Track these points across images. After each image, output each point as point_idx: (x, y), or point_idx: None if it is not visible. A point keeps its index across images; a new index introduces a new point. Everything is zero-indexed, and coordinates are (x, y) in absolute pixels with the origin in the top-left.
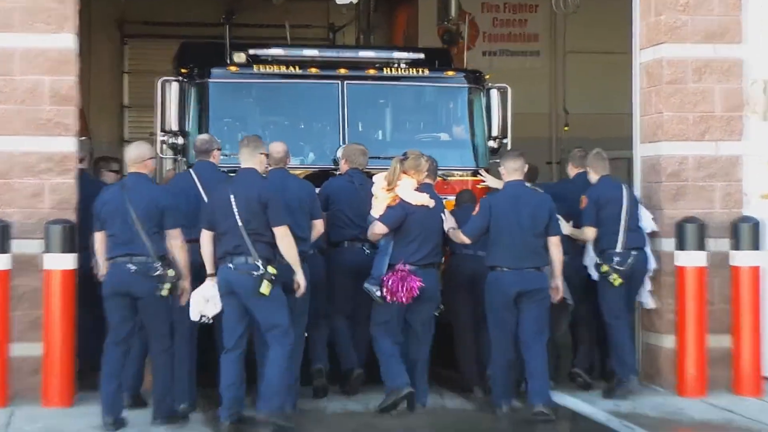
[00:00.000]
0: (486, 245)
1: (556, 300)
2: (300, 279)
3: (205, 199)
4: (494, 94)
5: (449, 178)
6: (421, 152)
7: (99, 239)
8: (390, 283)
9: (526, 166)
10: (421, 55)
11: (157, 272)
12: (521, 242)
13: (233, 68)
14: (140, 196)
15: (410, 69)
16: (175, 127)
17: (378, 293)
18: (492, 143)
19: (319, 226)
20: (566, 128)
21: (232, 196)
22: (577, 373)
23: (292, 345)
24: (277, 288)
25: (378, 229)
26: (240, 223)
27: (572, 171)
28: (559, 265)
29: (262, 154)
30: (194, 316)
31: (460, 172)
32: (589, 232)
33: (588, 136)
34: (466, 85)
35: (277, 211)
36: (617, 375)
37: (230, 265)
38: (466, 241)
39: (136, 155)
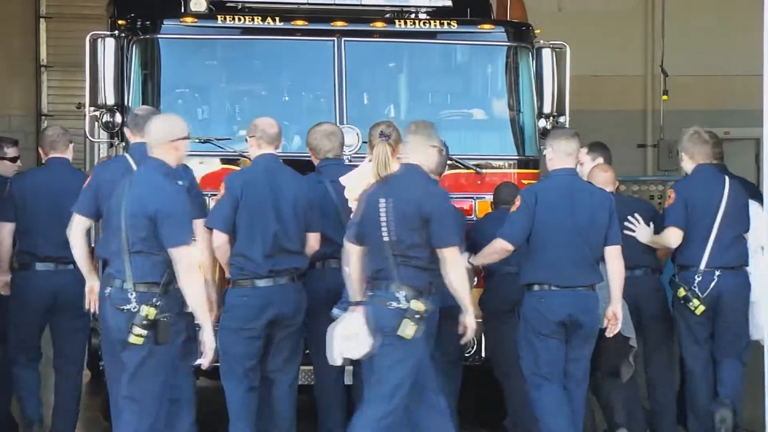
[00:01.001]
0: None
1: (611, 334)
2: None
3: None
4: (547, 55)
5: (484, 171)
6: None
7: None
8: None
9: (583, 150)
10: (448, 2)
11: None
12: (575, 252)
13: (189, 19)
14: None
15: (432, 21)
16: (111, 101)
17: None
18: (544, 122)
19: (313, 242)
20: (665, 97)
21: (382, 202)
22: None
23: None
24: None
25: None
26: (386, 240)
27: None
28: (619, 285)
29: (434, 147)
30: (336, 359)
31: (500, 163)
32: (673, 236)
33: (694, 107)
34: (506, 43)
35: (444, 226)
36: None
37: (370, 292)
38: (508, 248)
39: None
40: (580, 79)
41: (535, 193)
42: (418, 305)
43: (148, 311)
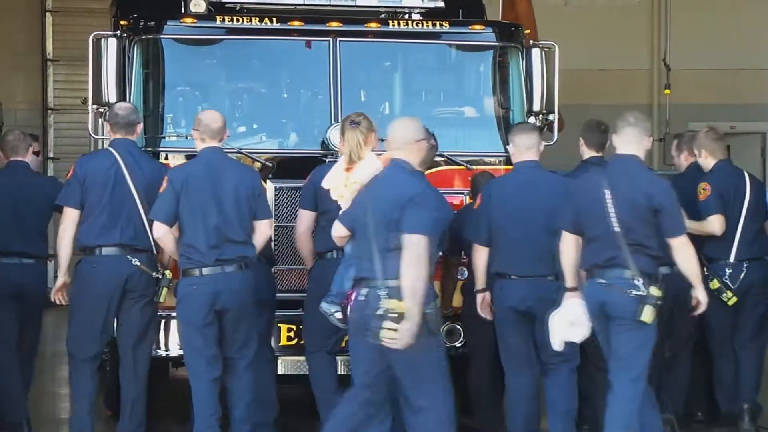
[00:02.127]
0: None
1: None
2: None
3: (132, 187)
4: (536, 54)
5: (475, 167)
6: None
7: None
8: (353, 299)
9: (542, 144)
10: (440, 3)
11: None
12: (533, 242)
13: (189, 20)
14: None
15: (425, 21)
16: (113, 98)
17: (338, 315)
18: (533, 120)
19: (264, 229)
20: (667, 91)
21: (607, 193)
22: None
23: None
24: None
25: (335, 231)
26: (617, 230)
27: (684, 160)
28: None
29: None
30: (557, 345)
31: (490, 159)
32: (718, 223)
33: (700, 101)
34: (496, 43)
35: (675, 217)
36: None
37: (601, 280)
38: (482, 249)
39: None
40: (585, 73)
41: (489, 189)
42: (656, 291)
43: (397, 305)
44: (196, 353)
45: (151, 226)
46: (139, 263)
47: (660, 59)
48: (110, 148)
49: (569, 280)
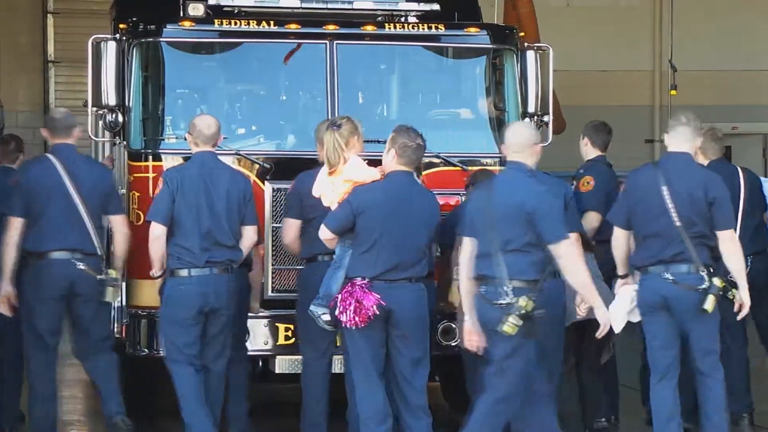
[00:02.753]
0: None
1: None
2: None
3: (73, 192)
4: (531, 56)
5: (470, 168)
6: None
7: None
8: (339, 301)
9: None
10: (436, 6)
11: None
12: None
13: (188, 23)
14: None
15: (421, 24)
16: (112, 101)
17: (325, 317)
18: (528, 122)
19: (251, 234)
20: (673, 92)
21: (665, 188)
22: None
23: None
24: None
25: (323, 234)
26: (678, 224)
27: (706, 158)
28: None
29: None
30: (619, 328)
31: (485, 161)
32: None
33: (702, 102)
34: (491, 45)
35: (727, 210)
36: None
37: (667, 276)
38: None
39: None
40: (588, 74)
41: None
42: (720, 282)
43: (526, 304)
44: (177, 352)
45: (93, 229)
46: (84, 267)
47: (663, 60)
48: (48, 155)
49: (622, 269)
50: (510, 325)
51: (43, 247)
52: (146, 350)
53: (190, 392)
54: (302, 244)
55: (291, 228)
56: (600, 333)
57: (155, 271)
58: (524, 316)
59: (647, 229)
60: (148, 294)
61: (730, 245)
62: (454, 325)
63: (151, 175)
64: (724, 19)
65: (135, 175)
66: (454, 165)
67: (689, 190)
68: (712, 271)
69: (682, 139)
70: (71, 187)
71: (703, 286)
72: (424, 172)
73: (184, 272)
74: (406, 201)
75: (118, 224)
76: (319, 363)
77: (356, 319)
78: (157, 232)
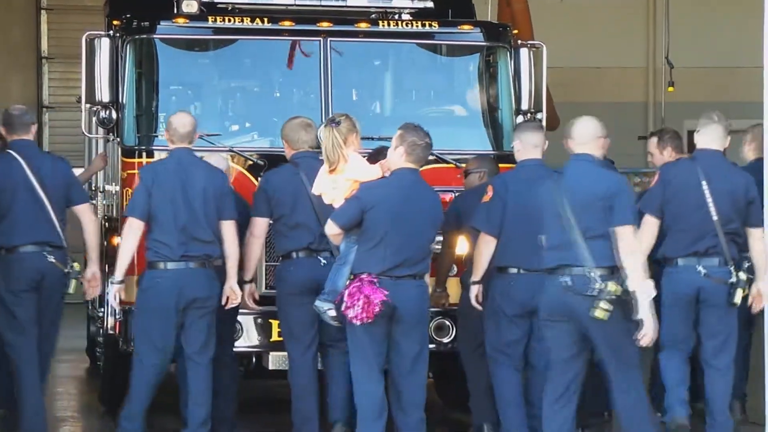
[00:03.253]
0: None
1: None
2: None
3: (37, 186)
4: (524, 54)
5: (464, 165)
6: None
7: None
8: (345, 296)
9: (546, 142)
10: (430, 3)
11: None
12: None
13: (181, 20)
14: None
15: (414, 21)
16: (106, 98)
17: (331, 312)
18: (521, 119)
19: (230, 229)
20: (671, 89)
21: (704, 183)
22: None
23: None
24: None
25: (330, 229)
26: (716, 219)
27: (669, 157)
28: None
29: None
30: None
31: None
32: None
33: (696, 99)
34: (485, 43)
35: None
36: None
37: (700, 268)
38: (489, 239)
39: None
40: (581, 70)
41: (506, 183)
42: (744, 275)
43: (615, 288)
44: (148, 342)
45: (58, 222)
46: (54, 260)
47: (657, 57)
48: (10, 151)
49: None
50: (601, 310)
51: (13, 241)
52: None
53: (147, 385)
54: (279, 242)
55: (259, 226)
56: (642, 334)
57: (118, 275)
58: (614, 300)
59: (681, 221)
60: None
61: (759, 242)
62: (447, 322)
63: None
64: (718, 15)
65: (128, 171)
66: (448, 162)
67: (730, 188)
68: (739, 265)
69: (714, 137)
70: (35, 182)
71: (732, 280)
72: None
73: (160, 265)
74: (413, 199)
75: (86, 213)
76: (304, 358)
77: (363, 315)
78: (134, 226)
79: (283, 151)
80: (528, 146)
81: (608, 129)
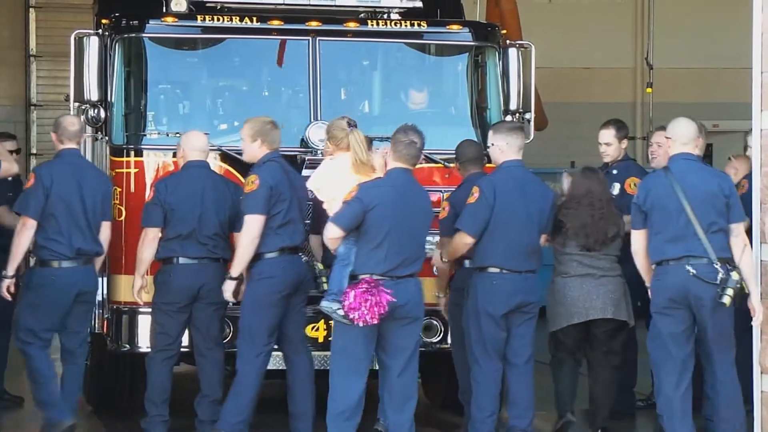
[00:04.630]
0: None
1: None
2: None
3: None
4: (513, 54)
5: (452, 165)
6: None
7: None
8: (351, 297)
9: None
10: (419, 3)
11: None
12: (526, 239)
13: (171, 19)
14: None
15: (403, 21)
16: (94, 97)
17: (340, 312)
18: (510, 119)
19: (107, 230)
20: (649, 90)
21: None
22: None
23: None
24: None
25: (331, 233)
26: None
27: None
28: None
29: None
30: None
31: None
32: None
33: (684, 99)
34: (473, 43)
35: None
36: None
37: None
38: (469, 240)
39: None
40: (569, 71)
41: (493, 185)
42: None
43: (738, 277)
44: (34, 336)
45: None
46: None
47: (642, 57)
48: None
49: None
50: (728, 297)
51: None
52: (128, 346)
53: (47, 372)
54: (268, 239)
55: (258, 224)
56: (756, 321)
57: (9, 270)
58: (737, 288)
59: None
60: (129, 290)
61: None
62: (435, 322)
63: (133, 170)
64: (706, 16)
65: (117, 170)
66: (436, 162)
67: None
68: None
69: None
70: None
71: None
72: None
73: (54, 263)
74: (409, 198)
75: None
76: (305, 355)
77: (369, 316)
78: (28, 224)
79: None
80: (513, 148)
81: (596, 129)
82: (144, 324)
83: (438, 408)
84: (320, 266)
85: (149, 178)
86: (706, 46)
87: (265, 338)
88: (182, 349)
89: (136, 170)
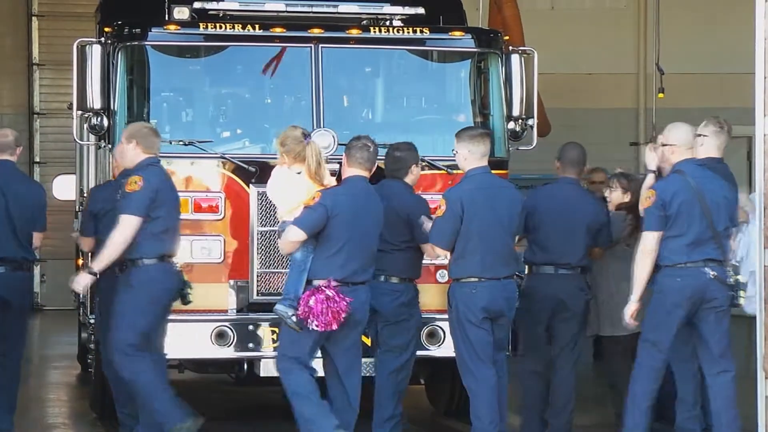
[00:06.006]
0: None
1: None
2: None
3: None
4: (515, 60)
5: (455, 171)
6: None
7: None
8: (311, 303)
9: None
10: (421, 10)
11: None
12: (500, 245)
13: (173, 27)
14: None
15: (406, 28)
16: (97, 104)
17: (294, 318)
18: (513, 125)
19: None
20: (661, 95)
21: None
22: None
23: None
24: None
25: (293, 236)
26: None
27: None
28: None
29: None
30: None
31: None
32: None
33: (687, 105)
34: (476, 49)
35: None
36: None
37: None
38: (440, 252)
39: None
40: (573, 77)
41: (460, 197)
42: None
43: (745, 280)
44: None
45: None
46: None
47: (648, 63)
48: None
49: None
50: (743, 298)
51: None
52: None
53: None
54: (148, 243)
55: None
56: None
57: None
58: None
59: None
60: None
61: None
62: (439, 328)
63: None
64: (709, 21)
65: (120, 178)
66: (439, 168)
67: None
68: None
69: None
70: None
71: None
72: None
73: None
74: (365, 206)
75: None
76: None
77: (329, 322)
78: None
79: (274, 158)
80: (476, 155)
81: (599, 135)
82: None
83: (441, 415)
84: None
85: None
86: (710, 52)
87: (143, 342)
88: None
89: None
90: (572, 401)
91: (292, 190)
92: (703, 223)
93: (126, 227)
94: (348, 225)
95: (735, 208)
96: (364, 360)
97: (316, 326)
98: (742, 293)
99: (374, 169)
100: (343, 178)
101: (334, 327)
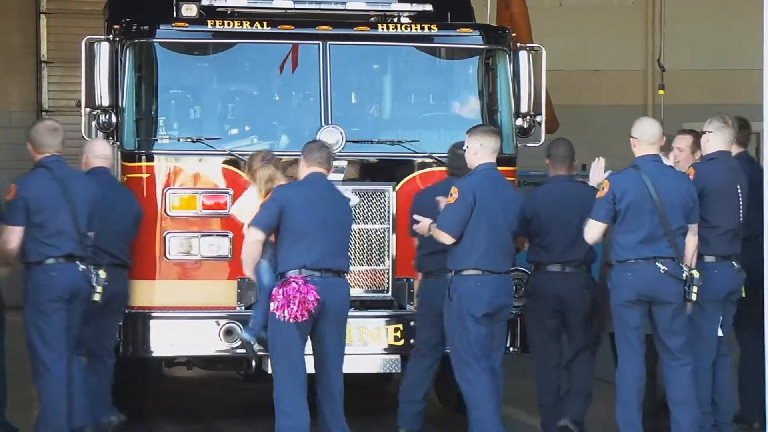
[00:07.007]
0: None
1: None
2: None
3: None
4: (523, 56)
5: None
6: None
7: None
8: (281, 296)
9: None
10: (429, 6)
11: None
12: (502, 240)
13: (181, 24)
14: None
15: (414, 25)
16: (105, 102)
17: (256, 347)
18: (521, 122)
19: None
20: (661, 92)
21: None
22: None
23: None
24: None
25: (253, 235)
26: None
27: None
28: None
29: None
30: None
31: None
32: None
33: (695, 102)
34: (484, 46)
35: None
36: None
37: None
38: (449, 240)
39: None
40: (580, 73)
41: (473, 187)
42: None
43: (699, 275)
44: None
45: None
46: None
47: (652, 60)
48: None
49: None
50: (695, 294)
51: None
52: (142, 351)
53: None
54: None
55: (18, 234)
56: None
57: None
58: (699, 286)
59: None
60: (145, 295)
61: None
62: None
63: (144, 175)
64: (716, 18)
65: (128, 175)
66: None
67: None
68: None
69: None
70: None
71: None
72: (417, 172)
73: None
74: (327, 198)
75: None
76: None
77: (298, 313)
78: None
79: (282, 155)
80: (487, 150)
81: (607, 132)
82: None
83: (451, 411)
84: (102, 273)
85: (161, 183)
86: (717, 48)
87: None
88: None
89: (148, 175)
90: (588, 398)
91: (250, 202)
92: (654, 220)
93: (9, 236)
94: (305, 215)
95: (693, 206)
96: (391, 357)
97: (285, 317)
98: (695, 288)
99: (332, 170)
100: (299, 178)
101: (302, 318)
